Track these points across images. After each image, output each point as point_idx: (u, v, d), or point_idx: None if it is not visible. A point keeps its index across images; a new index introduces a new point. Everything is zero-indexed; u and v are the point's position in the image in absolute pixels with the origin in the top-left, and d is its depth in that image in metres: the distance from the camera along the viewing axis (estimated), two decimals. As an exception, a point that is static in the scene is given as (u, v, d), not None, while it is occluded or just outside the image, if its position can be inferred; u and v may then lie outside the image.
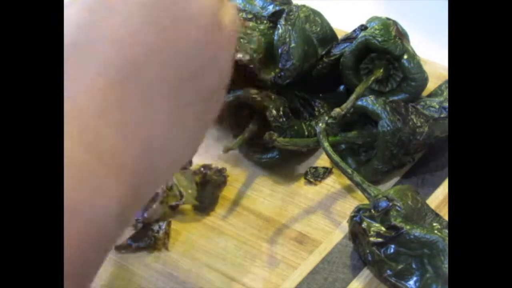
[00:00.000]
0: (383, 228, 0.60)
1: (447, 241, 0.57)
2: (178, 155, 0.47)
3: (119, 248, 0.65)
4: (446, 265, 0.56)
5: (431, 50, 0.83)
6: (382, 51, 0.73)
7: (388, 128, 0.67)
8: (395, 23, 0.75)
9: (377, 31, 0.73)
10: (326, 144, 0.66)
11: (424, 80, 0.73)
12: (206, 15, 0.46)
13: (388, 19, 0.76)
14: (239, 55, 0.71)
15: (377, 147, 0.69)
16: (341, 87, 0.78)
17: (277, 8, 0.76)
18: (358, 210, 0.62)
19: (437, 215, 0.61)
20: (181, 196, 0.68)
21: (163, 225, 0.66)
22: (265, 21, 0.75)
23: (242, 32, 0.73)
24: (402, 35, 0.73)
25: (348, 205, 0.68)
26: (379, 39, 0.72)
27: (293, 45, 0.73)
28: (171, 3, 0.45)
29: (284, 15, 0.74)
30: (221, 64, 0.48)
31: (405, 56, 0.72)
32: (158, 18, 0.44)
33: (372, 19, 0.77)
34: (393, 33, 0.73)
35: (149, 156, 0.43)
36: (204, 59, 0.46)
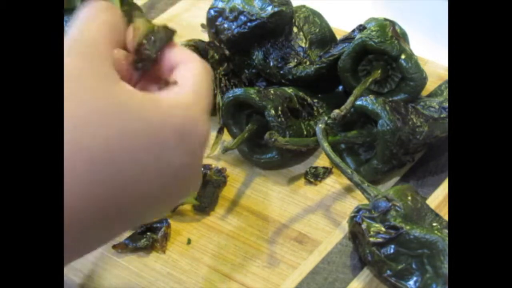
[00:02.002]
0: (383, 228, 0.60)
1: (447, 241, 0.57)
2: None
3: (116, 247, 0.65)
4: (446, 265, 0.56)
5: (431, 50, 0.83)
6: (379, 52, 0.73)
7: (388, 127, 0.67)
8: (392, 23, 0.75)
9: (373, 33, 0.73)
10: (325, 144, 0.66)
11: (423, 80, 0.73)
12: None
13: (385, 19, 0.76)
14: None
15: (377, 146, 0.69)
16: (340, 87, 0.78)
17: (276, 9, 0.76)
18: (358, 210, 0.62)
19: (437, 215, 0.61)
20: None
21: (162, 226, 0.66)
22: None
23: None
24: (399, 36, 0.73)
25: (348, 205, 0.68)
26: (376, 40, 0.72)
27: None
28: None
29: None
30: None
31: (403, 56, 0.72)
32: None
33: (370, 20, 0.77)
34: (390, 34, 0.72)
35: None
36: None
